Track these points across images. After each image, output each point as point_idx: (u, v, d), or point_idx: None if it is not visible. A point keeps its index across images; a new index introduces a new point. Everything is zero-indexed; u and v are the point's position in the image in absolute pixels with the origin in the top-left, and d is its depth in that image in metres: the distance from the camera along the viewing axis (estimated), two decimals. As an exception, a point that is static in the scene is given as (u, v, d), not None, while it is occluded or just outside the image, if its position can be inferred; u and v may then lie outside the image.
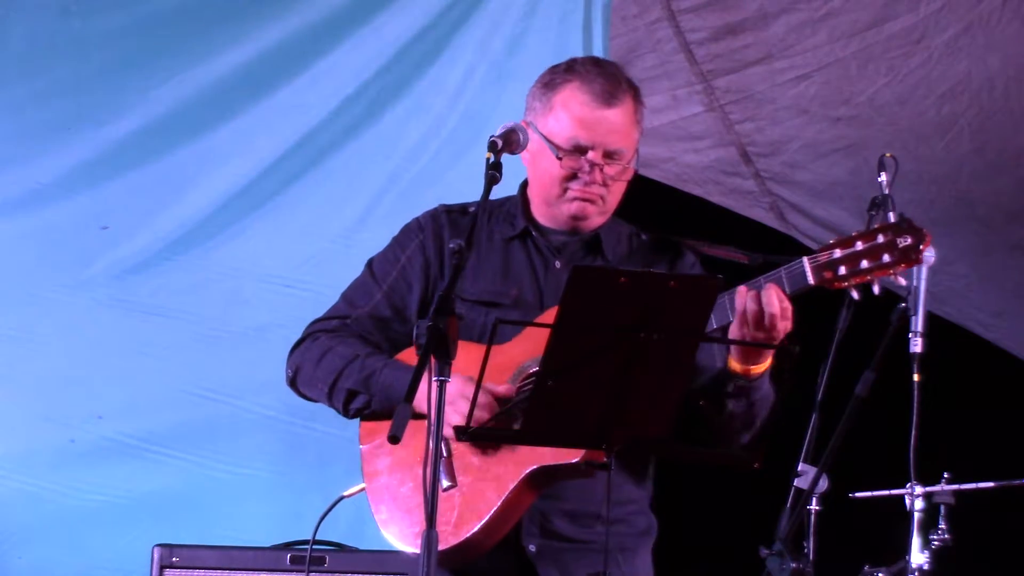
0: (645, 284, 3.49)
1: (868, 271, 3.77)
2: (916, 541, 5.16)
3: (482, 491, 3.76)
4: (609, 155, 3.99)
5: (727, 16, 6.66)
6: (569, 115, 3.99)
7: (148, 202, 5.71)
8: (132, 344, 5.66)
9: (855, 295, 3.83)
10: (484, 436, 3.73)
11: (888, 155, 4.11)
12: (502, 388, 3.80)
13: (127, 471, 5.60)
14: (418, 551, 3.76)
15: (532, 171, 4.08)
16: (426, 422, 3.82)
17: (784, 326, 3.76)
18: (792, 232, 7.22)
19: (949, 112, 6.78)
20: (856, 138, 6.99)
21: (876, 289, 3.82)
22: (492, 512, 3.79)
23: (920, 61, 6.63)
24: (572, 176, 3.99)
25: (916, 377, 4.90)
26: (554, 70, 4.08)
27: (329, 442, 5.35)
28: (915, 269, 4.83)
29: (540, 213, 4.09)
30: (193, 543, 5.09)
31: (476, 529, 3.79)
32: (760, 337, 3.75)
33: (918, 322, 4.82)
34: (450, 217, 4.12)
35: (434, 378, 3.45)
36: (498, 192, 3.86)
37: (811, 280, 3.79)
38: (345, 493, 4.23)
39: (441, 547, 3.53)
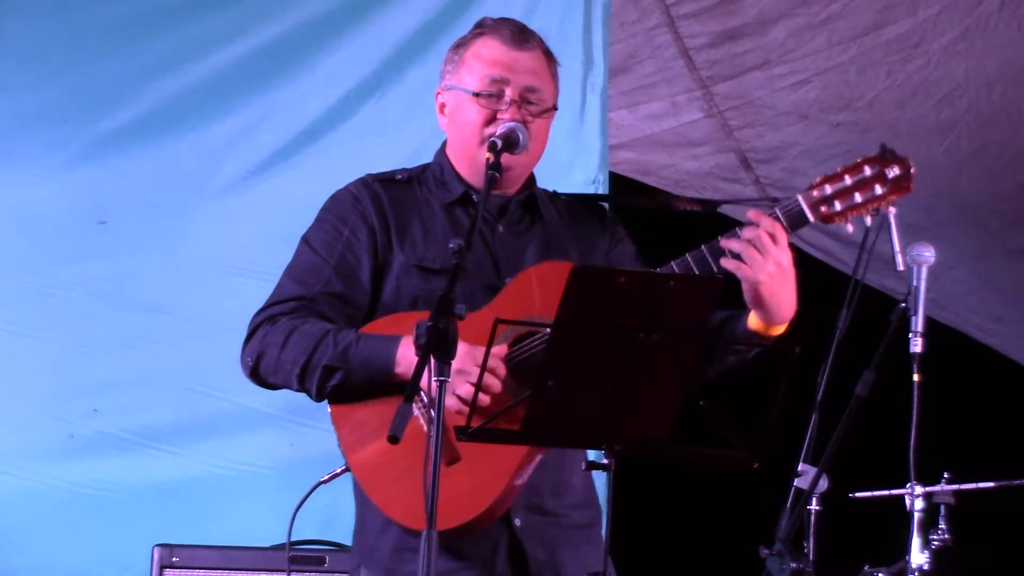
0: (644, 284, 3.49)
1: (864, 204, 3.82)
2: (916, 541, 5.15)
3: (490, 458, 3.65)
4: (527, 96, 3.96)
5: (726, 22, 6.67)
6: (482, 61, 3.98)
7: (146, 197, 5.71)
8: (132, 340, 5.66)
9: (849, 228, 3.86)
10: (484, 437, 3.71)
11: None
12: (496, 348, 3.70)
13: (127, 467, 5.59)
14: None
15: (451, 128, 4.05)
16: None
17: (786, 257, 3.79)
18: (792, 238, 7.22)
19: (948, 116, 6.80)
20: (855, 143, 7.00)
21: (868, 221, 3.86)
22: (508, 479, 3.71)
23: (918, 65, 6.66)
24: (491, 119, 3.94)
25: (916, 377, 4.91)
26: (462, 37, 4.08)
27: (330, 440, 5.35)
28: (915, 269, 4.86)
29: (468, 175, 4.03)
30: (193, 540, 5.10)
31: (493, 500, 3.71)
32: (765, 278, 3.74)
33: (918, 322, 4.83)
34: (383, 186, 4.05)
35: (434, 378, 3.43)
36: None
37: (810, 216, 3.83)
38: (323, 479, 4.15)
39: (457, 522, 3.52)
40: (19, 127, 5.67)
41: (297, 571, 4.98)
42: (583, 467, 3.62)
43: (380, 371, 3.79)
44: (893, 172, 3.81)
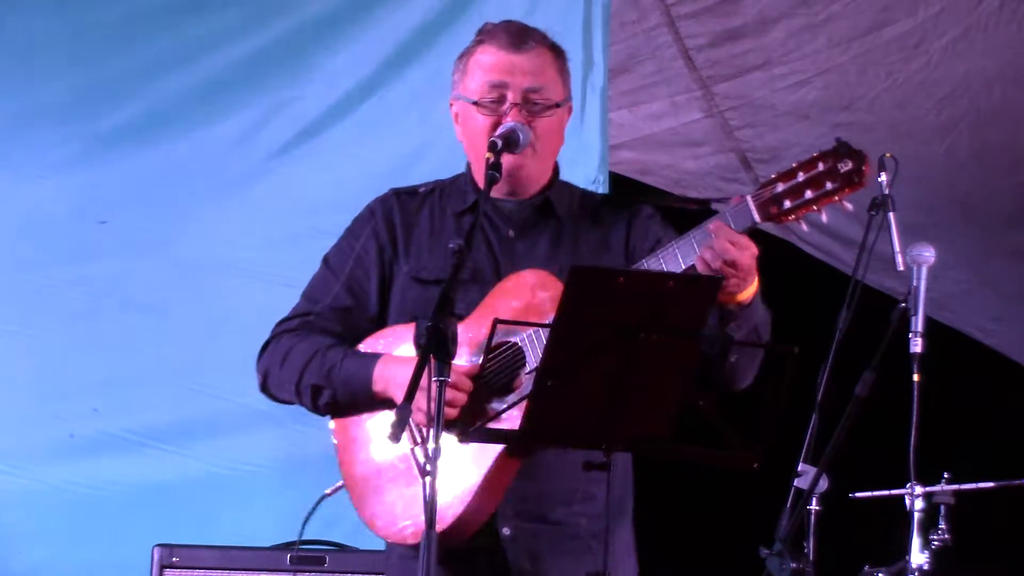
0: (643, 284, 3.50)
1: (813, 200, 3.68)
2: (916, 541, 5.15)
3: (460, 471, 3.67)
4: (528, 97, 3.95)
5: (726, 22, 6.67)
6: (481, 68, 3.99)
7: (146, 197, 5.72)
8: (132, 339, 5.67)
9: (804, 227, 3.76)
10: (484, 437, 3.71)
11: (888, 155, 4.11)
12: (466, 367, 3.75)
13: (127, 467, 5.60)
14: (406, 543, 3.78)
15: (463, 138, 4.05)
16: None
17: (749, 256, 3.70)
18: (791, 238, 7.23)
19: (948, 116, 6.80)
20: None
21: (824, 218, 3.73)
22: (475, 490, 3.73)
23: (919, 65, 6.66)
24: (496, 125, 3.93)
25: (916, 377, 4.90)
26: (467, 46, 4.08)
27: (331, 440, 5.36)
28: (915, 269, 4.85)
29: (481, 182, 3.97)
30: (193, 540, 5.10)
31: (462, 511, 3.72)
32: (734, 279, 3.70)
33: (918, 322, 4.82)
34: (399, 200, 4.09)
35: (434, 378, 3.43)
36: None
37: (757, 217, 3.70)
38: (327, 491, 4.19)
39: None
40: (19, 127, 5.69)
41: (298, 571, 4.99)
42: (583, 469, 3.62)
43: (360, 390, 3.87)
44: (845, 167, 3.67)
